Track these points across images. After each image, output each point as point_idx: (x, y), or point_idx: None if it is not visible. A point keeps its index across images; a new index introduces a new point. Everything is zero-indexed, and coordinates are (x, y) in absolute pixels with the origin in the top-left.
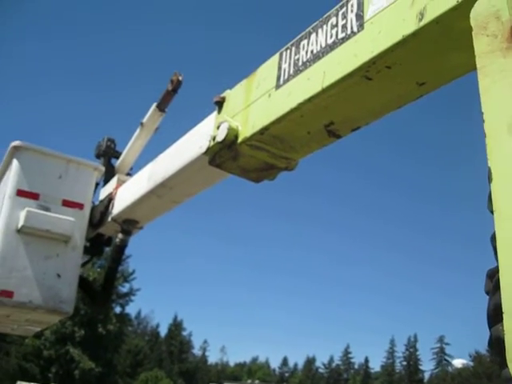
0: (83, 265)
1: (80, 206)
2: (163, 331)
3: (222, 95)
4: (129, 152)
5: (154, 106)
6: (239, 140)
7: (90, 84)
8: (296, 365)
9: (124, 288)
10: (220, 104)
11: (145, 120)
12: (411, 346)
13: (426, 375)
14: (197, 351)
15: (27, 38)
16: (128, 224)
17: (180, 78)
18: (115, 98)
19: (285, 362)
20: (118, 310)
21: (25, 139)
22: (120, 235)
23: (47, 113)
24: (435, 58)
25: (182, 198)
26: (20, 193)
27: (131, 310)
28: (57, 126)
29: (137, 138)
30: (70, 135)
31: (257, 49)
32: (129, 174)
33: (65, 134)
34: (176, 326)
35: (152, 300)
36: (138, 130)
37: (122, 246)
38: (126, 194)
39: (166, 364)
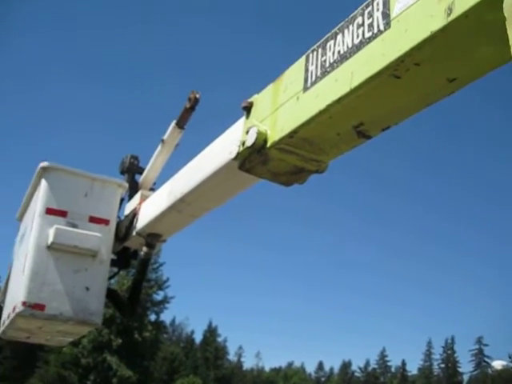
0: (111, 277)
1: (106, 222)
2: (198, 338)
3: (250, 100)
4: (151, 168)
5: (173, 123)
6: (268, 144)
7: (113, 98)
8: (332, 369)
9: (158, 296)
10: (248, 109)
11: (165, 137)
12: (449, 348)
13: (465, 377)
14: (232, 357)
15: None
16: (152, 238)
17: (197, 96)
18: (138, 113)
19: (320, 366)
20: (153, 317)
21: (53, 159)
22: (144, 248)
23: (72, 131)
24: (466, 53)
25: (200, 213)
26: (49, 211)
27: (166, 317)
28: (82, 144)
29: (158, 155)
30: (95, 151)
31: (278, 54)
32: (152, 189)
33: (90, 150)
34: (211, 333)
35: (186, 307)
36: (159, 147)
37: (147, 258)
38: (148, 209)
39: (201, 370)
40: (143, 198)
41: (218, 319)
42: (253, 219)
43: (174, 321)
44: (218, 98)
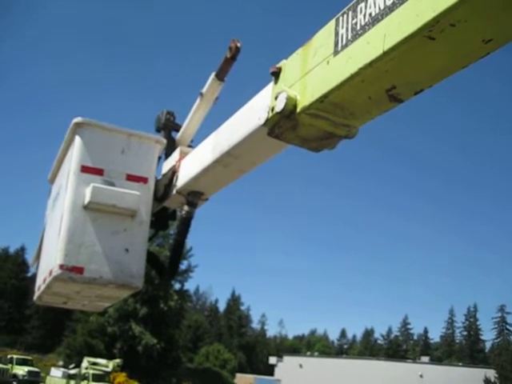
0: (149, 239)
1: (144, 180)
2: (222, 306)
3: (278, 65)
4: (189, 123)
5: (212, 75)
6: (298, 109)
7: (146, 55)
8: (354, 336)
9: (182, 265)
10: (276, 74)
11: (204, 90)
12: (471, 315)
13: (488, 345)
14: (255, 325)
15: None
16: (193, 196)
17: (238, 45)
18: (172, 69)
19: (343, 333)
20: (177, 286)
21: (83, 114)
22: (186, 207)
23: (104, 87)
24: (503, 12)
25: (248, 167)
26: (84, 169)
27: (190, 286)
28: (113, 100)
29: (197, 109)
30: (127, 108)
31: (306, 19)
32: (190, 146)
33: (122, 107)
34: (234, 301)
35: (210, 276)
36: (197, 101)
37: (188, 218)
38: (189, 165)
39: (225, 338)
40: (182, 155)
41: (241, 288)
42: (272, 185)
43: (197, 290)
44: (245, 65)
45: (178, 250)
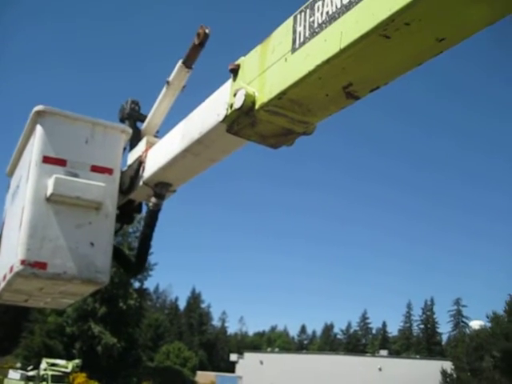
0: (115, 233)
1: (109, 171)
2: (182, 304)
3: (237, 62)
4: (155, 113)
5: (179, 62)
6: (257, 106)
7: (110, 43)
8: (314, 332)
9: None
10: (235, 71)
11: (171, 78)
12: (428, 309)
13: (444, 337)
14: (216, 323)
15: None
16: (161, 187)
17: (207, 31)
18: (137, 58)
19: (303, 329)
20: (136, 285)
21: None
22: (153, 199)
23: (65, 74)
24: (455, 12)
25: (219, 156)
26: (46, 159)
27: (149, 284)
28: (76, 90)
29: (163, 98)
30: (90, 99)
31: (264, 16)
32: (156, 136)
33: (85, 97)
34: (194, 299)
35: (170, 274)
36: (163, 90)
37: (156, 210)
38: (157, 155)
39: (186, 336)
40: (149, 145)
41: (202, 286)
42: (229, 182)
43: (157, 288)
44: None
45: (146, 244)
